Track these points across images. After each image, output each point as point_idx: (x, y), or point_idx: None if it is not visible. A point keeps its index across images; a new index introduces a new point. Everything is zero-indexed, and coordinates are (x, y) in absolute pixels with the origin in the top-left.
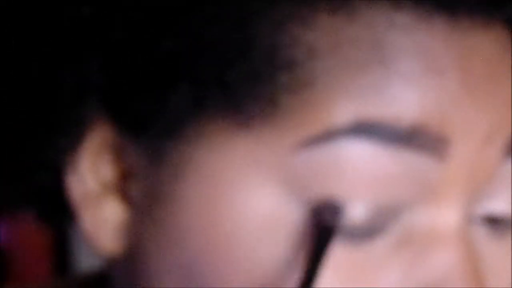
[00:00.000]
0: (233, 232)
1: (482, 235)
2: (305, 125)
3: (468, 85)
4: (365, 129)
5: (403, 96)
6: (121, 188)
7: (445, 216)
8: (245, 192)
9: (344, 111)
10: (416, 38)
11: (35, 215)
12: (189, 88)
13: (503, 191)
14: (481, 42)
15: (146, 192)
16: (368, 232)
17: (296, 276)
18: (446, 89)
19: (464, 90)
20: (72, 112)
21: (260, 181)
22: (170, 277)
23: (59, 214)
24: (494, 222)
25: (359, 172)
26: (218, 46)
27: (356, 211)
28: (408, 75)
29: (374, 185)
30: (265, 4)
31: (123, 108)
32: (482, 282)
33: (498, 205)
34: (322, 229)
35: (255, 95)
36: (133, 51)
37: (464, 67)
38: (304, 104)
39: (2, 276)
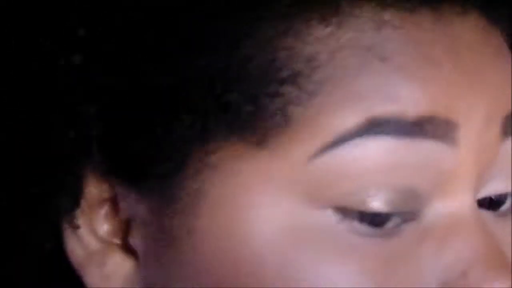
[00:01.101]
0: (257, 254)
1: (489, 218)
2: (317, 134)
3: (461, 71)
4: (374, 127)
5: (405, 90)
6: (121, 240)
7: (461, 202)
8: (263, 211)
9: (352, 114)
10: (406, 33)
11: None
12: (191, 119)
13: (501, 171)
14: (462, 30)
15: (150, 238)
16: (394, 224)
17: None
18: (444, 77)
19: (459, 76)
20: (67, 171)
21: (277, 197)
22: None
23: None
24: (495, 204)
25: (376, 167)
26: (215, 72)
27: (378, 202)
28: (405, 70)
29: (393, 176)
30: (257, 24)
31: (121, 157)
32: (506, 261)
33: (498, 186)
34: None
35: (264, 112)
36: (128, 93)
37: (454, 55)
38: (313, 114)
39: None
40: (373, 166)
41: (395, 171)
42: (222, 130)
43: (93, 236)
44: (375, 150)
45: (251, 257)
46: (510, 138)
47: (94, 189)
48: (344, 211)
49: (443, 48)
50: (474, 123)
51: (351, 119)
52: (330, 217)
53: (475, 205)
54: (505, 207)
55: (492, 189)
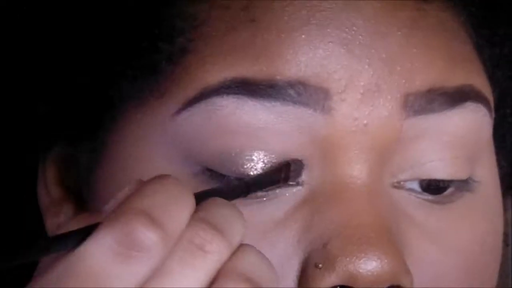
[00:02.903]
0: None
1: (417, 202)
2: (184, 90)
3: (344, 38)
4: (238, 87)
5: (270, 52)
6: (78, 195)
7: (344, 172)
8: (140, 165)
9: (216, 72)
10: None
11: None
12: (92, 87)
13: (434, 153)
14: (364, 3)
15: (87, 193)
16: (269, 191)
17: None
18: (320, 43)
19: (340, 43)
20: (37, 138)
21: (151, 152)
22: None
23: None
24: (437, 190)
25: (240, 127)
26: (103, 30)
27: (245, 165)
28: (274, 32)
29: (261, 139)
30: None
31: (64, 126)
32: (387, 235)
33: (434, 169)
34: None
35: (139, 67)
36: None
37: (337, 24)
38: (184, 71)
39: None
40: (238, 128)
41: (263, 136)
42: (119, 90)
43: (57, 186)
44: (237, 111)
45: None
46: (430, 115)
47: (57, 150)
48: (211, 172)
49: (325, 15)
50: (354, 92)
51: (214, 76)
52: (198, 177)
53: (367, 177)
54: (448, 192)
55: (428, 173)
